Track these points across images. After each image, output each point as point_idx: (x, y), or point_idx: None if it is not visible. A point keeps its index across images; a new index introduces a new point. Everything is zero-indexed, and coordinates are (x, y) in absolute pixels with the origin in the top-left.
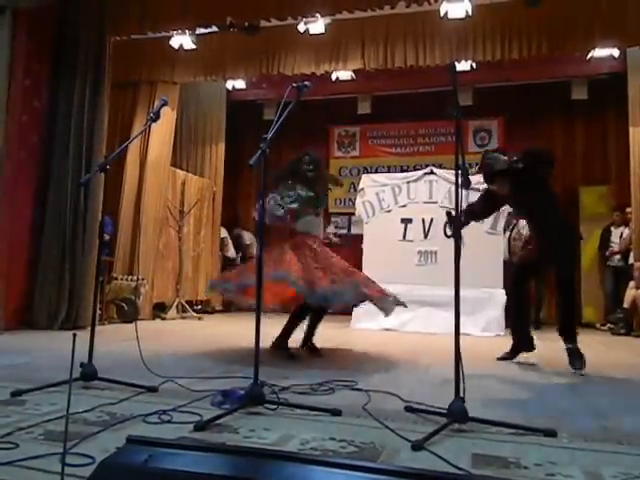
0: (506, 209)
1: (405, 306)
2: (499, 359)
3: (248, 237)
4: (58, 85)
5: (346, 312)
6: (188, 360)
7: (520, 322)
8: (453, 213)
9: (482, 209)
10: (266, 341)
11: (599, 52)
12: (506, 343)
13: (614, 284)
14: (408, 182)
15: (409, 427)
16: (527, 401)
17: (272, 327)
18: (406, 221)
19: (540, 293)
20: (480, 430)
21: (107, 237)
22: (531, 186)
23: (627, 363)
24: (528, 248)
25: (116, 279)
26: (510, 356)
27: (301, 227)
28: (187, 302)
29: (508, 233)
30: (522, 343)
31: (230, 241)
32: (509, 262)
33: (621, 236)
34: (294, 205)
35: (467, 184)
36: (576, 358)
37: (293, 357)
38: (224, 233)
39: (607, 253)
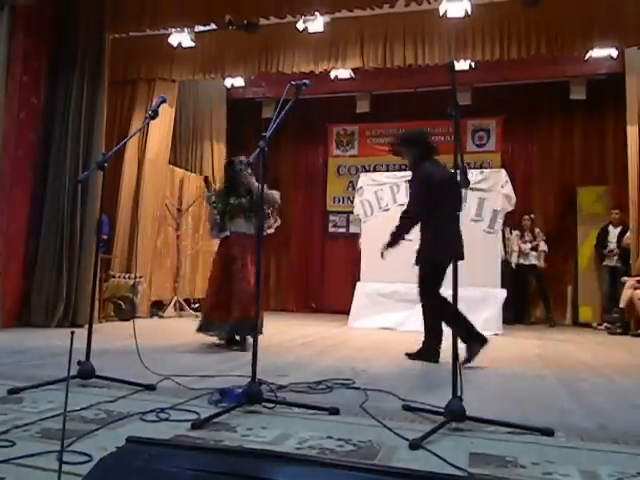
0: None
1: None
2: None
3: None
4: (56, 82)
5: (343, 311)
6: (186, 358)
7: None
8: None
9: None
10: (264, 340)
11: (597, 52)
12: (505, 342)
13: (611, 284)
14: (407, 181)
15: (407, 426)
16: (524, 400)
17: (271, 324)
18: None
19: (544, 292)
20: (478, 429)
21: (104, 236)
22: None
23: (624, 362)
24: None
25: (114, 277)
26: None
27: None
28: (185, 300)
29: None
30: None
31: None
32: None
33: (620, 235)
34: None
35: (466, 183)
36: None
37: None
38: None
39: (605, 252)
